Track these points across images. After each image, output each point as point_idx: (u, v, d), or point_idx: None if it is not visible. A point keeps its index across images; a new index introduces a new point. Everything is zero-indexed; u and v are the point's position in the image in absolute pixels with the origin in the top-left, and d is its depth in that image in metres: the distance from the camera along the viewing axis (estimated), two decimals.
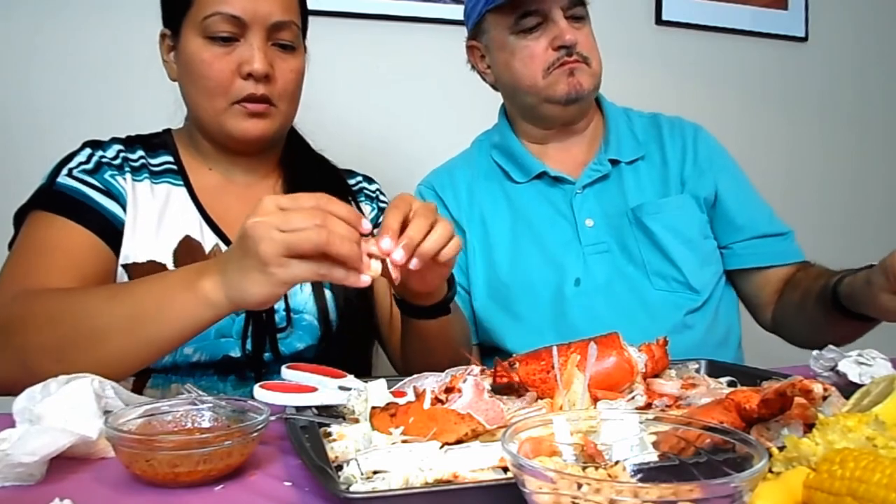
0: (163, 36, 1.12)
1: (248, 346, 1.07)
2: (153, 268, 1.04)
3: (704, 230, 1.31)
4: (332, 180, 1.25)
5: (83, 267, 0.99)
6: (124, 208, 1.07)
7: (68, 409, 0.70)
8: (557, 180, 1.33)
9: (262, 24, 1.05)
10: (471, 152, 1.45)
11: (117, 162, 1.10)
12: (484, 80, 1.39)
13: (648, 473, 0.55)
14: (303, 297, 1.12)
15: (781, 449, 0.59)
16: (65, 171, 1.07)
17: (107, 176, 1.08)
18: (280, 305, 1.10)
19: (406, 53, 1.90)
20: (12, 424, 0.69)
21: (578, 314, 1.25)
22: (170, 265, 1.06)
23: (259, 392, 0.80)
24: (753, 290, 1.34)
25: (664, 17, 2.12)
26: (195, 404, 0.74)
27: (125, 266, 1.05)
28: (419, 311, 1.03)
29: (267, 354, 1.08)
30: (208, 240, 1.10)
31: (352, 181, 1.28)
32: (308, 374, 0.87)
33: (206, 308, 0.81)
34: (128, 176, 1.10)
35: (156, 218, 1.08)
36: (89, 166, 1.08)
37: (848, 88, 2.35)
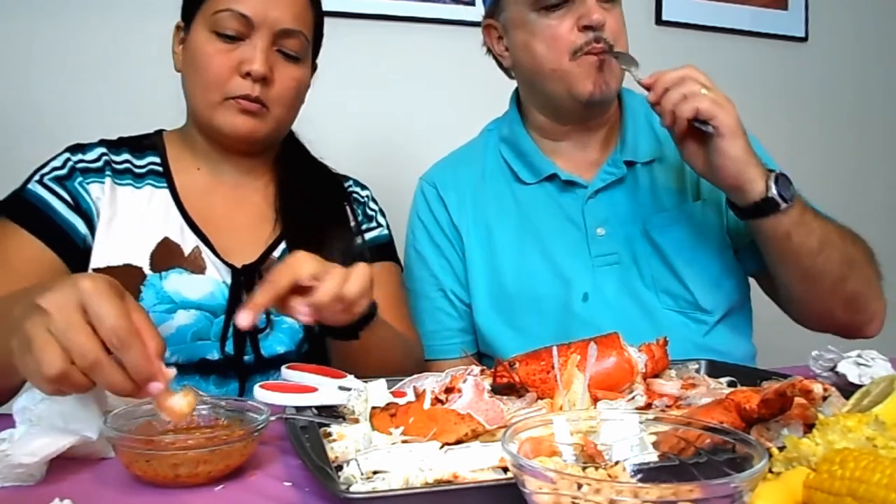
0: (178, 27, 1.13)
1: (228, 347, 1.06)
2: (128, 271, 1.04)
3: (725, 238, 1.21)
4: (328, 185, 1.24)
5: (25, 280, 0.94)
6: (90, 222, 1.05)
7: (68, 410, 0.70)
8: (569, 184, 1.24)
9: (270, 27, 1.06)
10: (478, 144, 1.37)
11: (97, 165, 1.09)
12: (499, 65, 1.29)
13: (648, 473, 0.55)
14: None
15: (781, 449, 0.59)
16: (37, 176, 1.06)
17: (77, 184, 1.06)
18: None
19: (406, 53, 1.89)
20: (12, 425, 0.69)
21: (586, 332, 1.19)
22: (146, 268, 1.05)
23: (259, 392, 0.80)
24: (767, 288, 1.26)
25: (664, 17, 2.11)
26: None
27: (97, 270, 1.03)
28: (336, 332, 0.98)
29: (248, 357, 1.08)
30: (188, 241, 1.09)
31: (345, 184, 1.28)
32: (308, 374, 0.87)
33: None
34: (108, 180, 1.08)
35: (136, 221, 1.08)
36: (62, 172, 1.06)
37: (848, 88, 2.35)
